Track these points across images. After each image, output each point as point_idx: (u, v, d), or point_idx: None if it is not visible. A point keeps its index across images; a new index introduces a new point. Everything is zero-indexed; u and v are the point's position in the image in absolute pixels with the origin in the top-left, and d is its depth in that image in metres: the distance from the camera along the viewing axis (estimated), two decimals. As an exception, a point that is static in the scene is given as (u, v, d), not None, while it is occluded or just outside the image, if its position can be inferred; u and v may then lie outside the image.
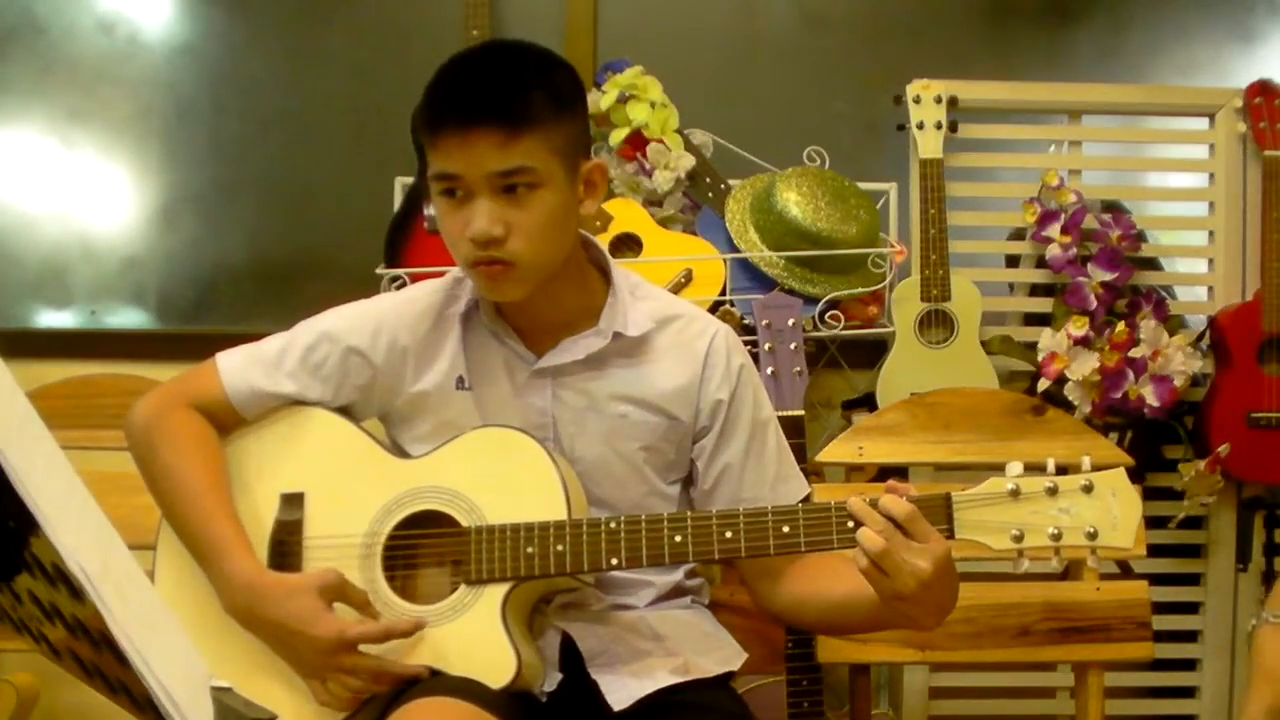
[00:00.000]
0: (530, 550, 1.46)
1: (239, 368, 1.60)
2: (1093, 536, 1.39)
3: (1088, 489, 1.40)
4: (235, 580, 1.48)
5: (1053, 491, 1.40)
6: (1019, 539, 1.40)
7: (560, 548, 1.46)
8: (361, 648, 1.45)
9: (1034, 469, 1.42)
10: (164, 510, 1.57)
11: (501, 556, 1.47)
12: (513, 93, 1.46)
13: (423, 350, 1.60)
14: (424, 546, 1.52)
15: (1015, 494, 1.41)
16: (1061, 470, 1.42)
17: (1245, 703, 1.47)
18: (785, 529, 1.45)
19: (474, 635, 1.46)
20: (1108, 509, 1.40)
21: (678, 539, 1.46)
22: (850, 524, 1.41)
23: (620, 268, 1.63)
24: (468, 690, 1.40)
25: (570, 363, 1.57)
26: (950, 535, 1.41)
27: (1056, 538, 1.40)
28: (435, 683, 1.43)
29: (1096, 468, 1.42)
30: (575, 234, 1.56)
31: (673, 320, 1.62)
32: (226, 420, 1.60)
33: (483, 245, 1.46)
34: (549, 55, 1.54)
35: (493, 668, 1.43)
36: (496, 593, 1.47)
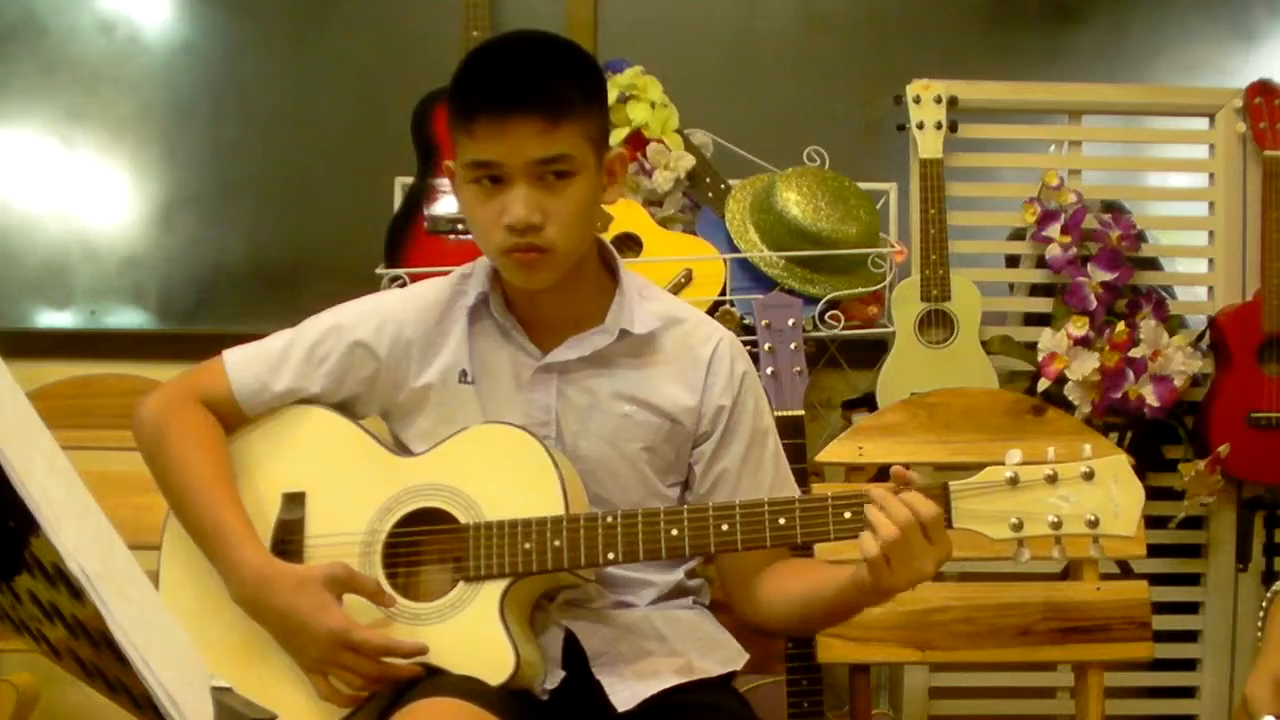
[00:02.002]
0: (528, 546, 1.46)
1: (244, 364, 1.61)
2: (1094, 524, 1.37)
3: (1088, 476, 1.38)
4: (244, 570, 1.48)
5: (1052, 479, 1.39)
6: (1018, 528, 1.39)
7: (557, 543, 1.46)
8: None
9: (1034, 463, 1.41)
10: (172, 503, 1.57)
11: (499, 552, 1.47)
12: (553, 80, 1.47)
13: (427, 344, 1.60)
14: (423, 544, 1.52)
15: (1014, 482, 1.39)
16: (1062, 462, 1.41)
17: (1253, 669, 1.44)
18: (781, 521, 1.45)
19: (472, 632, 1.46)
20: (1109, 496, 1.38)
21: (674, 532, 1.46)
22: (847, 514, 1.41)
23: (629, 270, 1.64)
24: (469, 690, 1.40)
25: (576, 360, 1.57)
26: (948, 525, 1.40)
27: (1057, 526, 1.38)
28: (437, 682, 1.43)
29: (1096, 456, 1.40)
30: (596, 223, 1.57)
31: (679, 324, 1.63)
32: (231, 417, 1.61)
33: (520, 232, 1.46)
34: (576, 45, 1.56)
35: (491, 664, 1.43)
36: (495, 589, 1.47)
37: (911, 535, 1.36)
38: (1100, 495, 1.38)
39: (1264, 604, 1.55)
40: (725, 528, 1.46)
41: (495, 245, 1.49)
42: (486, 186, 1.48)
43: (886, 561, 1.37)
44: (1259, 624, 1.55)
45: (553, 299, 1.56)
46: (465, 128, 1.47)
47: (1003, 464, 1.41)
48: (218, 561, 1.51)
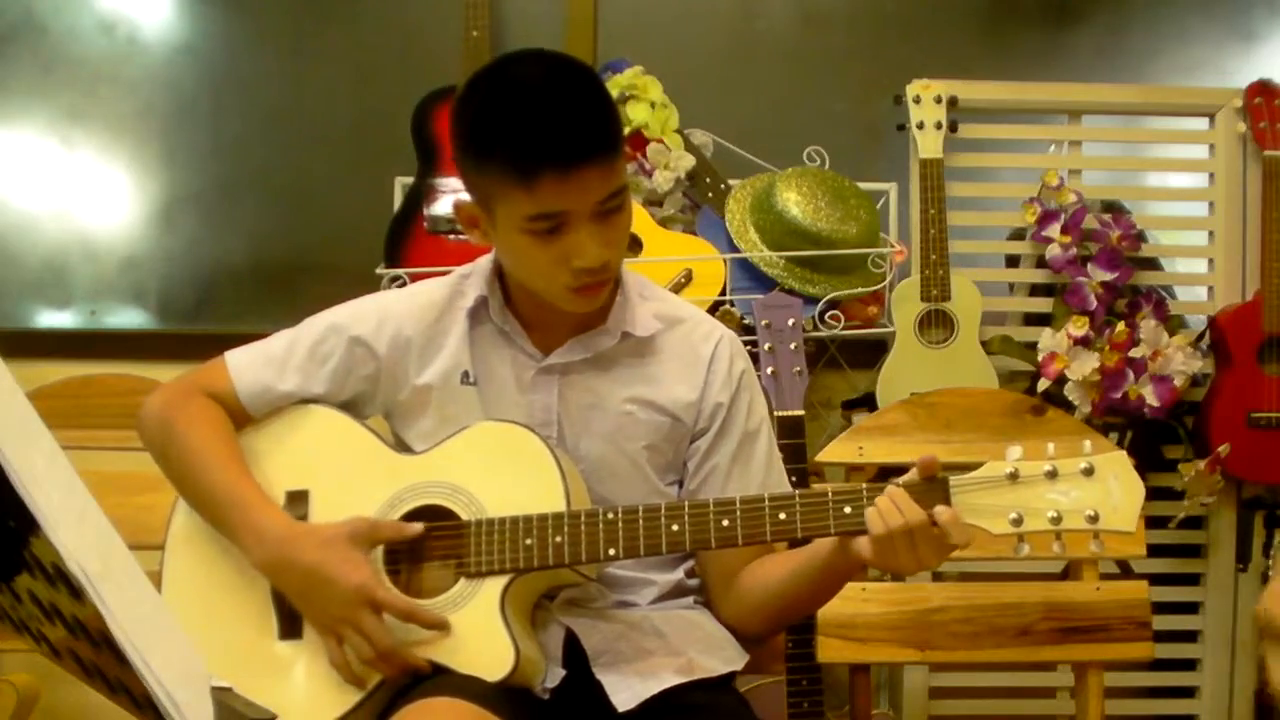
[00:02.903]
0: (529, 542, 1.47)
1: (247, 366, 1.61)
2: (1093, 520, 1.37)
3: (1088, 472, 1.38)
4: (267, 532, 1.48)
5: (1052, 475, 1.39)
6: (1018, 522, 1.39)
7: (558, 539, 1.46)
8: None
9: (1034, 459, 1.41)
10: (184, 486, 1.57)
11: (500, 548, 1.47)
12: (606, 120, 1.45)
13: (426, 343, 1.60)
14: (425, 541, 1.52)
15: (1014, 477, 1.39)
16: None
17: (1270, 585, 1.43)
18: (782, 516, 1.45)
19: (473, 628, 1.46)
20: (1109, 492, 1.38)
21: (675, 528, 1.46)
22: (847, 509, 1.42)
23: (628, 269, 1.64)
24: (470, 690, 1.40)
25: (577, 361, 1.58)
26: None
27: (1056, 521, 1.38)
28: (437, 682, 1.43)
29: (1096, 452, 1.40)
30: None
31: (679, 323, 1.63)
32: (235, 417, 1.61)
33: (593, 271, 1.46)
34: (586, 65, 1.52)
35: (491, 660, 1.43)
36: (495, 585, 1.47)
37: (900, 541, 1.38)
38: (1100, 491, 1.38)
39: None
40: (726, 523, 1.46)
41: (560, 285, 1.48)
42: (544, 233, 1.45)
43: (892, 545, 1.38)
44: (1268, 557, 1.53)
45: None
46: (524, 183, 1.41)
47: (1003, 459, 1.41)
48: (236, 529, 1.51)
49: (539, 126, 1.41)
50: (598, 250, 1.45)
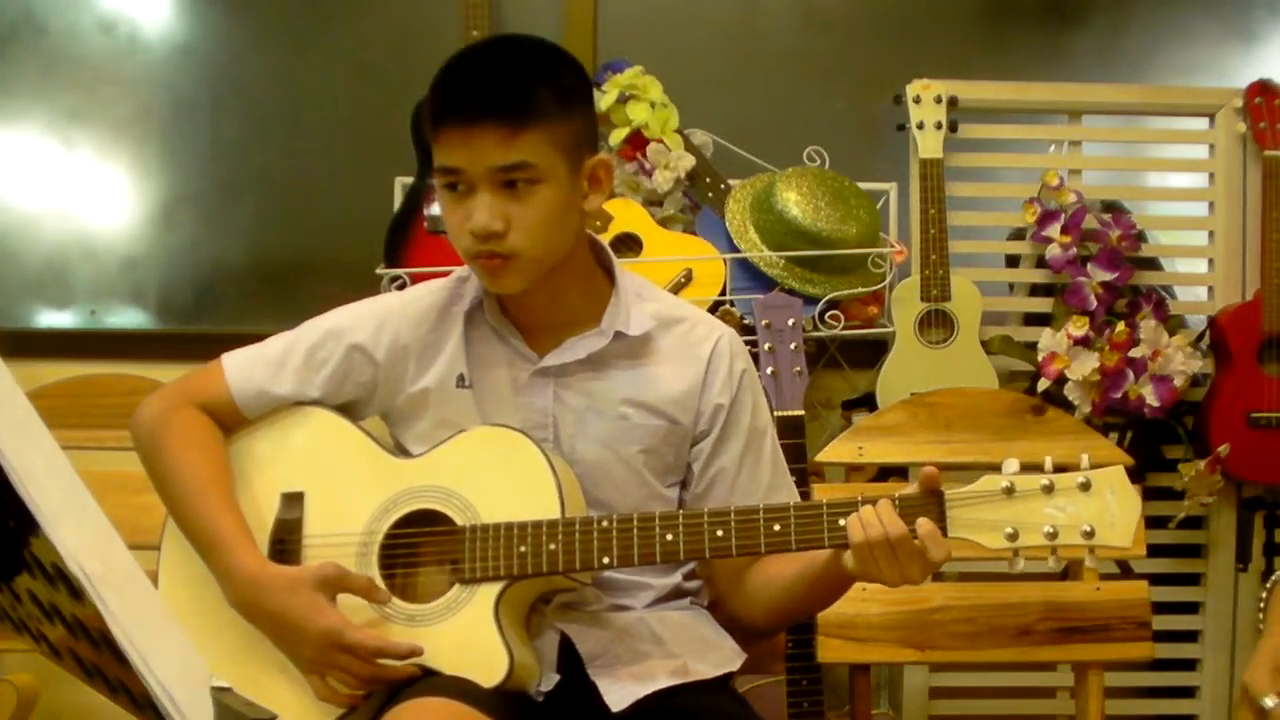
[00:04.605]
0: (523, 549, 1.46)
1: (243, 368, 1.61)
2: (1090, 535, 1.37)
3: (1085, 487, 1.38)
4: (238, 575, 1.48)
5: (1049, 489, 1.38)
6: (1013, 538, 1.38)
7: (553, 546, 1.46)
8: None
9: (1031, 468, 1.41)
10: (169, 506, 1.58)
11: (495, 555, 1.47)
12: (515, 88, 1.47)
13: (424, 348, 1.60)
14: (420, 545, 1.52)
15: (1010, 491, 1.39)
16: (1060, 469, 1.40)
17: (1253, 655, 1.44)
18: (776, 527, 1.45)
19: (467, 634, 1.46)
20: (1105, 507, 1.38)
21: (669, 537, 1.46)
22: (842, 522, 1.41)
23: (627, 271, 1.63)
24: (462, 690, 1.40)
25: (572, 363, 1.57)
26: (943, 534, 1.41)
27: (1052, 536, 1.38)
28: (430, 683, 1.43)
29: (1095, 466, 1.40)
30: (578, 229, 1.57)
31: (677, 323, 1.63)
32: (230, 420, 1.61)
33: (482, 239, 1.47)
34: (555, 50, 1.55)
35: (485, 667, 1.43)
36: (490, 592, 1.47)
37: (880, 551, 1.38)
38: (1097, 506, 1.38)
39: (1264, 593, 1.55)
40: (720, 533, 1.46)
41: (463, 250, 1.51)
42: (455, 192, 1.49)
43: (872, 556, 1.38)
44: (1260, 613, 1.55)
45: (541, 302, 1.56)
46: (434, 135, 1.49)
47: (999, 473, 1.41)
48: (213, 567, 1.52)
49: (450, 83, 1.49)
50: (484, 218, 1.46)
